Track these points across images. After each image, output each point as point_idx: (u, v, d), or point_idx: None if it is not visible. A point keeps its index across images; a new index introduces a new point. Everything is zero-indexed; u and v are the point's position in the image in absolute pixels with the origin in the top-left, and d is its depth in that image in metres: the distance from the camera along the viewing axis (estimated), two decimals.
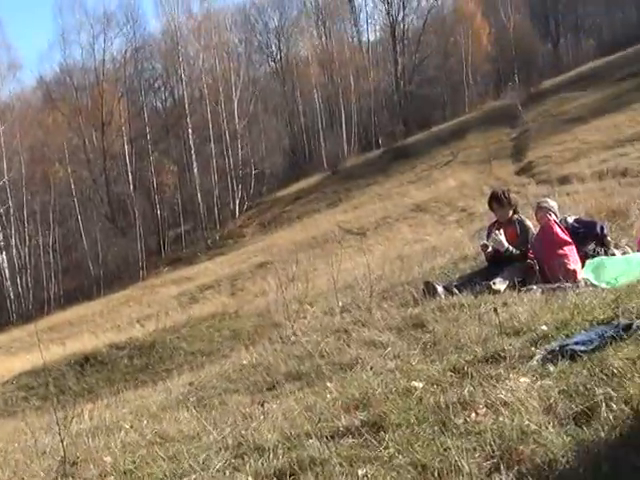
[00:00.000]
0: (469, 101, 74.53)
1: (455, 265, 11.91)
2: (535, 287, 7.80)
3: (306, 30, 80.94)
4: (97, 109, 69.33)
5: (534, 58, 75.82)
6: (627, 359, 4.19)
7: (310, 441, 4.28)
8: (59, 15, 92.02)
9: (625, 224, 11.23)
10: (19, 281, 62.92)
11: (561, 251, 8.31)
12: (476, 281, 8.40)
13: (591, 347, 4.63)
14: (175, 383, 10.21)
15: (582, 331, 5.15)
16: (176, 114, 73.31)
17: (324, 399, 5.15)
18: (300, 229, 49.91)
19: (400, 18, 79.52)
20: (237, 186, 68.54)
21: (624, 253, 8.84)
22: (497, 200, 9.22)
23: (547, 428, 3.67)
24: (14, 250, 63.73)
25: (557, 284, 7.76)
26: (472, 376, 4.73)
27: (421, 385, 4.74)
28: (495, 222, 9.32)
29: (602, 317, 5.40)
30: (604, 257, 8.51)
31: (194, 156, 68.61)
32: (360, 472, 3.71)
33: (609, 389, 3.88)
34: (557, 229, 8.55)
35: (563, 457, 3.37)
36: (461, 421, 4.03)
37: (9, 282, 62.23)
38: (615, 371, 4.10)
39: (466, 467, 3.49)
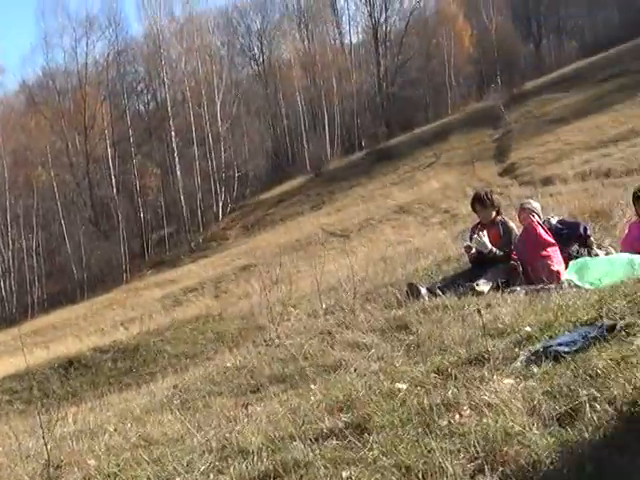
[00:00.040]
0: (452, 103, 74.78)
1: (438, 267, 11.89)
2: (519, 288, 7.80)
3: (288, 33, 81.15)
4: (80, 112, 69.25)
5: (516, 59, 76.16)
6: (611, 360, 4.19)
7: (294, 443, 4.26)
8: (41, 18, 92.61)
9: (608, 225, 11.28)
10: (2, 285, 62.87)
11: (544, 252, 8.32)
12: (459, 282, 8.41)
13: (575, 348, 4.62)
14: (159, 386, 10.17)
15: (566, 332, 5.14)
16: (159, 117, 73.29)
17: (308, 401, 5.13)
18: (283, 231, 50.00)
19: (382, 20, 79.92)
20: (220, 189, 68.60)
21: (607, 254, 8.84)
22: (480, 201, 9.22)
23: (531, 429, 3.67)
24: None
25: (541, 285, 7.77)
26: (456, 378, 4.72)
27: (405, 387, 4.73)
28: (478, 223, 9.31)
29: (586, 318, 5.39)
30: (588, 258, 8.50)
31: (177, 159, 68.49)
32: (344, 474, 3.70)
33: (593, 390, 3.87)
34: (540, 230, 8.56)
35: (547, 458, 3.36)
36: (445, 423, 4.02)
37: None
38: (599, 372, 4.09)
39: (450, 469, 3.48)
